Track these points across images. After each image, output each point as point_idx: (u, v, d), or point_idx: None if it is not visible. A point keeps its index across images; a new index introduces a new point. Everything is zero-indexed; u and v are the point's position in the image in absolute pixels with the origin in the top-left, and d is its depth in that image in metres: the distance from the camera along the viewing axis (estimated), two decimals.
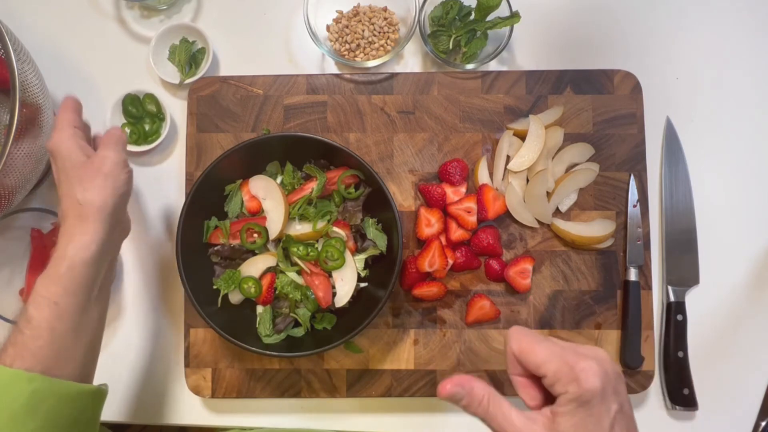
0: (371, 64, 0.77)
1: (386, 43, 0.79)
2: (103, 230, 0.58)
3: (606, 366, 0.40)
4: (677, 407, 0.73)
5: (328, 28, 0.80)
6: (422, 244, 0.73)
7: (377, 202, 0.70)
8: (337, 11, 0.80)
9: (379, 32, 0.79)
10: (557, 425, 0.40)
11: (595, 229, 0.74)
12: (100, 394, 0.58)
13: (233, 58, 0.81)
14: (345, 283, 0.70)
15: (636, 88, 0.77)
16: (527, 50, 0.81)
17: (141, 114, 0.78)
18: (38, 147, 0.66)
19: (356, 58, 0.79)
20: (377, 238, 0.70)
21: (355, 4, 0.81)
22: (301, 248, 0.70)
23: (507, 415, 0.42)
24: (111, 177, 0.59)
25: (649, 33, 0.81)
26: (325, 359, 0.73)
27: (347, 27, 0.79)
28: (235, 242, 0.71)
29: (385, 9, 0.80)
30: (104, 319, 0.62)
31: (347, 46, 0.79)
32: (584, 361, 0.40)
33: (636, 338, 0.72)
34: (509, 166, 0.75)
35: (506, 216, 0.75)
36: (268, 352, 0.66)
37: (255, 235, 0.70)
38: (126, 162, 0.62)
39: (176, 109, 0.79)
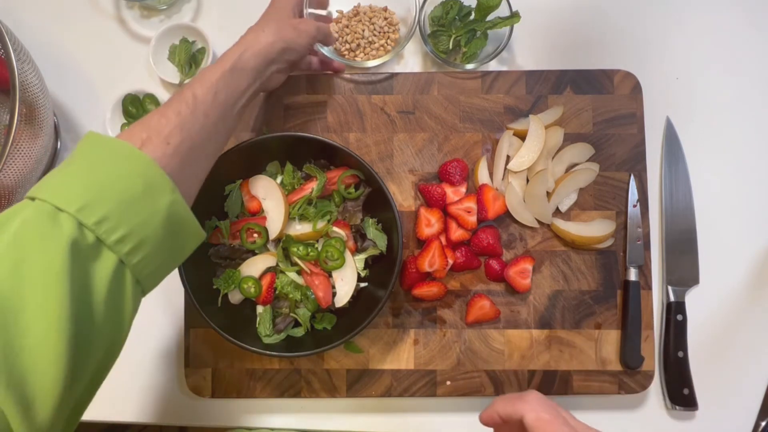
0: (371, 63, 0.77)
1: (386, 43, 0.79)
2: (280, 36, 0.62)
3: None
4: (677, 407, 0.73)
5: None
6: (422, 244, 0.73)
7: (377, 202, 0.70)
8: (337, 11, 0.80)
9: (380, 32, 0.79)
10: None
11: (595, 229, 0.74)
12: (203, 238, 0.55)
13: None
14: (345, 283, 0.70)
15: (636, 88, 0.77)
16: (527, 50, 0.81)
17: (141, 114, 0.78)
18: (38, 147, 0.66)
19: (356, 58, 0.79)
20: (377, 238, 0.70)
21: (356, 3, 0.81)
22: (301, 248, 0.70)
23: None
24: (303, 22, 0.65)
25: (649, 33, 0.82)
26: (325, 359, 0.73)
27: (347, 27, 0.79)
28: (235, 242, 0.71)
29: (385, 9, 0.80)
30: (224, 145, 0.61)
31: (347, 45, 0.79)
32: None
33: (636, 338, 0.72)
34: (509, 166, 0.75)
35: (506, 216, 0.75)
36: (268, 352, 0.66)
37: (255, 235, 0.70)
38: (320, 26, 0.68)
39: None
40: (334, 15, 0.81)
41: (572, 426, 0.45)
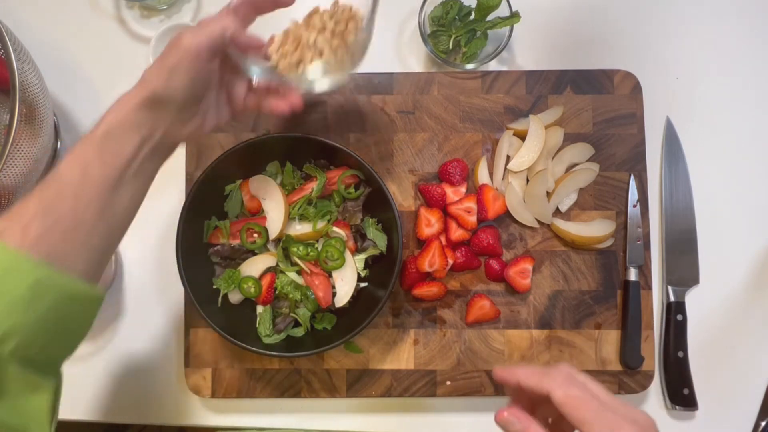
0: (321, 84, 0.60)
1: (339, 49, 0.57)
2: (150, 95, 0.50)
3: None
4: (677, 407, 0.73)
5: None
6: (422, 244, 0.73)
7: (377, 202, 0.70)
8: (290, 22, 0.62)
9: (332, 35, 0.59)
10: None
11: (595, 229, 0.74)
12: (101, 300, 0.51)
13: None
14: (345, 283, 0.70)
15: (636, 88, 0.77)
16: (527, 50, 0.81)
17: None
18: (38, 147, 0.66)
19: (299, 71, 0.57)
20: (377, 238, 0.70)
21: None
22: (301, 248, 0.70)
23: None
24: (183, 48, 0.50)
25: (649, 33, 0.82)
26: (325, 359, 0.73)
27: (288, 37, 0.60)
28: (235, 242, 0.71)
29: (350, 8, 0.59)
30: (134, 212, 0.54)
31: (286, 59, 0.58)
32: (627, 426, 0.42)
33: (636, 338, 0.72)
34: (509, 166, 0.75)
35: (506, 216, 0.75)
36: (268, 352, 0.66)
37: (255, 235, 0.70)
38: (209, 47, 0.50)
39: None
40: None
41: (603, 401, 0.44)
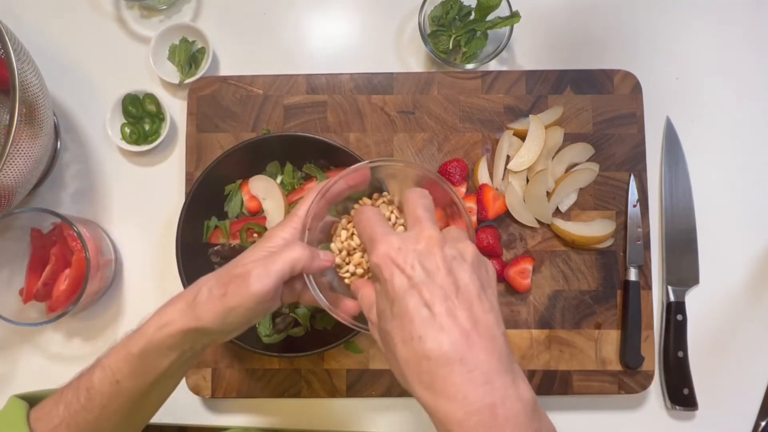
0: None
1: None
2: (199, 327, 0.47)
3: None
4: (677, 407, 0.73)
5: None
6: None
7: None
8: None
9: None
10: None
11: (595, 229, 0.74)
12: None
13: (233, 57, 0.81)
14: None
15: (636, 88, 0.77)
16: (527, 50, 0.81)
17: (141, 114, 0.78)
18: (38, 147, 0.66)
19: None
20: None
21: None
22: None
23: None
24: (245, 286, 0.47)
25: (649, 33, 0.81)
26: (325, 359, 0.73)
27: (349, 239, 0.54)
28: (235, 242, 0.71)
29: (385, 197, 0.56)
30: (161, 403, 0.54)
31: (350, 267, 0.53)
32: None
33: (636, 338, 0.72)
34: (509, 166, 0.75)
35: (506, 216, 0.75)
36: (268, 352, 0.66)
37: (255, 235, 0.70)
38: (277, 286, 0.48)
39: (176, 109, 0.79)
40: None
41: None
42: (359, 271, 0.51)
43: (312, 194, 0.51)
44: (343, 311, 0.51)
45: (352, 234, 0.52)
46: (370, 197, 0.55)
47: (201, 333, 0.47)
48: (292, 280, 0.50)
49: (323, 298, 0.50)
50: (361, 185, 0.53)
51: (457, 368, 0.37)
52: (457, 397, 0.36)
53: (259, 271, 0.47)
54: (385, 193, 0.55)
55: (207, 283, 0.49)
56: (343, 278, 0.52)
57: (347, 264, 0.52)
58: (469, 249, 0.43)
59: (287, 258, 0.48)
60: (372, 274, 0.44)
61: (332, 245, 0.53)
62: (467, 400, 0.36)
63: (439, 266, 0.40)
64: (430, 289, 0.39)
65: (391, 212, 0.54)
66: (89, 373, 0.49)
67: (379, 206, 0.54)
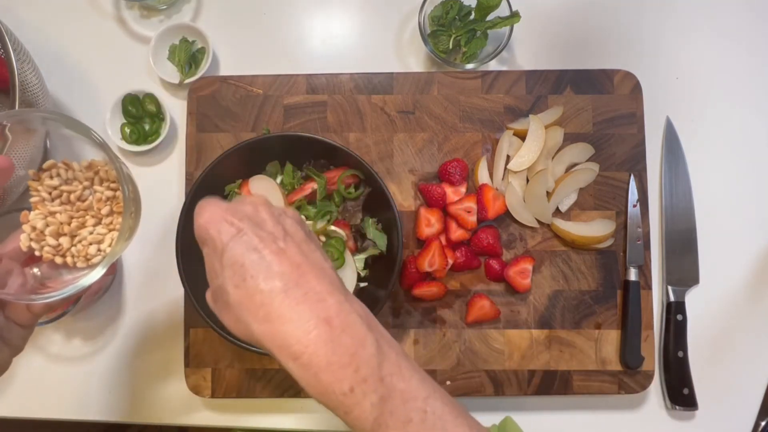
0: (87, 278, 0.48)
1: (113, 220, 0.51)
2: None
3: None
4: (677, 407, 0.73)
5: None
6: (422, 244, 0.73)
7: (377, 202, 0.70)
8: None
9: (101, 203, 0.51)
10: None
11: (595, 229, 0.74)
12: None
13: (233, 57, 0.81)
14: (345, 283, 0.70)
15: (636, 88, 0.77)
16: (527, 50, 0.81)
17: (141, 114, 0.78)
18: (35, 147, 0.66)
19: (68, 262, 0.50)
20: (377, 238, 0.70)
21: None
22: None
23: None
24: None
25: (649, 33, 0.82)
26: None
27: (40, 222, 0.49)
28: None
29: (89, 164, 0.51)
30: None
31: (47, 249, 0.49)
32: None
33: (636, 338, 0.72)
34: (509, 166, 0.75)
35: (506, 216, 0.75)
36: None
37: None
38: None
39: (176, 109, 0.79)
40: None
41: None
42: (64, 241, 0.48)
43: None
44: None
45: (40, 214, 0.49)
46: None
47: None
48: None
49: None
50: (4, 174, 0.46)
51: (291, 293, 0.39)
52: (293, 317, 0.38)
53: None
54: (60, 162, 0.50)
55: None
56: (51, 259, 0.49)
57: (43, 242, 0.49)
58: (291, 210, 0.46)
59: None
60: (198, 240, 0.44)
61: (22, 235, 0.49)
62: (304, 317, 0.38)
63: (266, 218, 0.43)
64: (259, 234, 0.41)
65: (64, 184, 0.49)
66: None
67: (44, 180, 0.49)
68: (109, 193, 0.51)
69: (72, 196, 0.50)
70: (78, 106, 0.80)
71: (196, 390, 0.73)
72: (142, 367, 0.76)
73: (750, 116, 0.80)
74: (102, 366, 0.76)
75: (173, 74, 0.78)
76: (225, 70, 0.81)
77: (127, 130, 0.77)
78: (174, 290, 0.76)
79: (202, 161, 0.75)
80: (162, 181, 0.79)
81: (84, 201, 0.50)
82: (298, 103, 0.77)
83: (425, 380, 0.41)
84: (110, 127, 0.76)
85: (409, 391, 0.40)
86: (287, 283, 0.39)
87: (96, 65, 0.81)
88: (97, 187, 0.51)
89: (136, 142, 0.77)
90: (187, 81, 0.77)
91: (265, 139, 0.69)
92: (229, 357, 0.73)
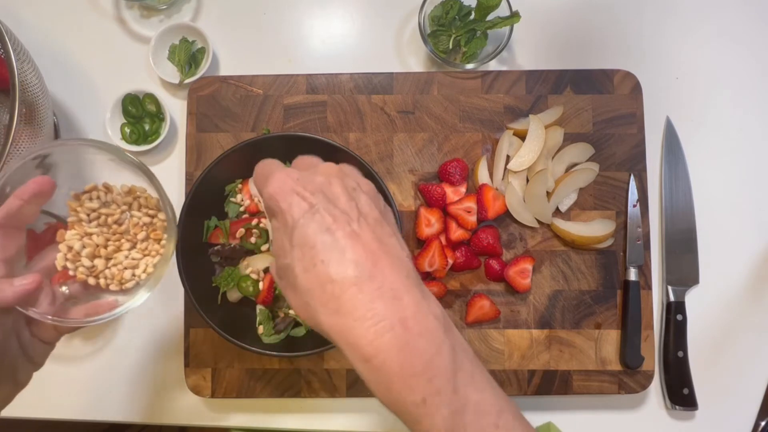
0: (131, 303, 0.52)
1: (150, 245, 0.52)
2: None
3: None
4: (677, 407, 0.73)
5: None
6: (422, 244, 0.73)
7: None
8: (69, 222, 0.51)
9: (140, 227, 0.52)
10: None
11: (595, 228, 0.74)
12: None
13: (233, 57, 0.81)
14: None
15: (636, 88, 0.77)
16: (527, 50, 0.81)
17: (141, 114, 0.78)
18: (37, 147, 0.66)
19: (109, 285, 0.51)
20: None
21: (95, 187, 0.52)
22: None
23: None
24: None
25: (649, 33, 0.81)
26: (325, 359, 0.73)
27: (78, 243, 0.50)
28: (235, 242, 0.71)
29: (129, 190, 0.52)
30: None
31: (83, 271, 0.50)
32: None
33: (636, 338, 0.72)
34: (509, 166, 0.75)
35: (506, 216, 0.75)
36: (268, 352, 0.66)
37: (255, 234, 0.70)
38: None
39: (176, 109, 0.79)
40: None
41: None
42: (99, 263, 0.49)
43: None
44: (97, 311, 0.48)
45: (77, 234, 0.49)
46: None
47: None
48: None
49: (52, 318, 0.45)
50: (45, 195, 0.46)
51: (365, 286, 0.35)
52: (367, 315, 0.35)
53: None
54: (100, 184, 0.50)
55: None
56: (85, 280, 0.49)
57: (78, 263, 0.49)
58: (365, 181, 0.42)
59: None
60: (267, 211, 0.41)
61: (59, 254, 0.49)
62: (378, 316, 0.34)
63: (339, 193, 0.39)
64: (332, 213, 0.37)
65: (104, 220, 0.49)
66: None
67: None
68: (147, 219, 0.51)
69: (110, 219, 0.50)
70: (78, 106, 0.80)
71: (196, 390, 0.73)
72: (142, 367, 0.76)
73: (750, 116, 0.80)
74: (102, 366, 0.76)
75: (173, 74, 0.78)
76: (225, 70, 0.81)
77: (127, 130, 0.77)
78: (174, 290, 0.76)
79: (202, 161, 0.75)
80: (162, 181, 0.78)
81: (120, 225, 0.51)
82: (298, 103, 0.77)
83: (497, 392, 0.38)
84: (110, 127, 0.76)
85: (483, 404, 0.37)
86: (361, 274, 0.35)
87: (96, 65, 0.81)
88: (135, 212, 0.51)
89: (136, 142, 0.77)
90: (187, 81, 0.77)
91: (265, 139, 0.69)
92: (229, 357, 0.73)
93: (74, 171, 0.51)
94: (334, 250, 0.36)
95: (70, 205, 0.50)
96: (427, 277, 0.73)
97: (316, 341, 0.69)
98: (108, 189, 0.51)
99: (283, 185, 0.39)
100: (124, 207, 0.51)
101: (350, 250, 0.36)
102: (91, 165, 0.51)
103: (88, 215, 0.50)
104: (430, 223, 0.73)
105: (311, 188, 0.39)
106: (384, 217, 0.40)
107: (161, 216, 0.52)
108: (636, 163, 0.76)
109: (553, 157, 0.76)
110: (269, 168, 0.42)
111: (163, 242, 0.51)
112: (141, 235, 0.51)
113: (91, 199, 0.50)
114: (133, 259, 0.51)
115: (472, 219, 0.72)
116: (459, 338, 0.38)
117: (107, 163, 0.51)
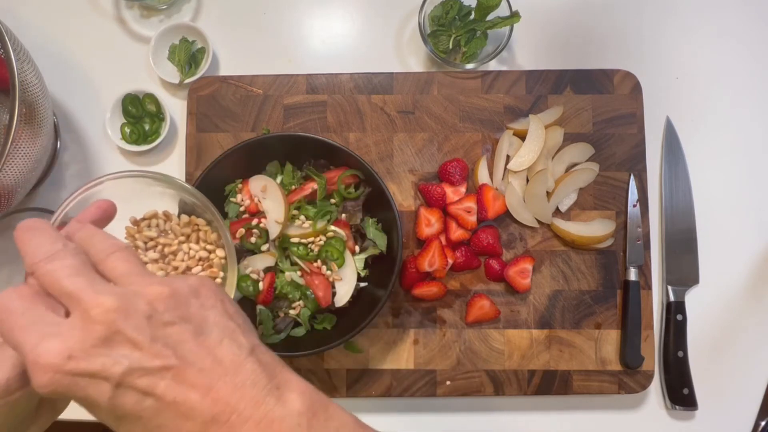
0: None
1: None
2: None
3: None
4: (677, 407, 0.73)
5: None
6: (422, 243, 0.73)
7: (377, 202, 0.70)
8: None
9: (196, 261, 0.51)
10: None
11: (595, 228, 0.74)
12: None
13: (233, 57, 0.81)
14: (344, 283, 0.70)
15: (636, 88, 0.77)
16: (527, 50, 0.81)
17: (141, 114, 0.78)
18: (38, 147, 0.66)
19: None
20: (377, 238, 0.70)
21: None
22: (300, 248, 0.70)
23: None
24: None
25: (649, 33, 0.81)
26: (325, 359, 0.73)
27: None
28: (235, 242, 0.71)
29: (192, 224, 0.52)
30: None
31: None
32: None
33: (636, 338, 0.72)
34: (509, 166, 0.75)
35: (506, 216, 0.75)
36: None
37: (255, 235, 0.70)
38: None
39: (176, 109, 0.79)
40: None
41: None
42: None
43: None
44: None
45: None
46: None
47: None
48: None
49: None
50: (107, 219, 0.43)
51: (212, 428, 0.32)
52: None
53: None
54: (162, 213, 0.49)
55: None
56: None
57: None
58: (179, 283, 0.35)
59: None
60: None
61: None
62: None
63: (137, 342, 0.32)
64: (140, 369, 0.32)
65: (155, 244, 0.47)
66: None
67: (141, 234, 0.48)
68: (204, 254, 0.50)
69: (166, 249, 0.49)
70: (78, 106, 0.80)
71: None
72: None
73: (750, 116, 0.80)
74: None
75: (173, 74, 0.78)
76: (225, 70, 0.81)
77: (127, 130, 0.77)
78: None
79: (202, 161, 0.75)
80: None
81: (175, 255, 0.49)
82: (298, 103, 0.77)
83: None
84: (110, 127, 0.76)
85: None
86: (205, 416, 0.32)
87: (96, 65, 0.81)
88: (192, 245, 0.50)
89: (136, 142, 0.77)
90: (187, 81, 0.77)
91: (265, 139, 0.69)
92: None
93: (127, 195, 0.49)
94: (167, 411, 0.32)
95: (128, 231, 0.48)
96: (427, 277, 0.73)
97: (316, 341, 0.69)
98: (167, 217, 0.50)
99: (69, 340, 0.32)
100: (182, 238, 0.50)
101: (180, 400, 0.32)
102: (150, 196, 0.50)
103: (145, 243, 0.48)
104: (430, 223, 0.73)
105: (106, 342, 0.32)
106: (206, 307, 0.35)
107: (219, 253, 0.50)
108: (636, 163, 0.76)
109: (553, 157, 0.76)
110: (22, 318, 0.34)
111: (218, 280, 0.49)
112: (196, 269, 0.49)
113: (150, 226, 0.49)
114: None
115: (472, 219, 0.72)
116: (333, 421, 0.35)
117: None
